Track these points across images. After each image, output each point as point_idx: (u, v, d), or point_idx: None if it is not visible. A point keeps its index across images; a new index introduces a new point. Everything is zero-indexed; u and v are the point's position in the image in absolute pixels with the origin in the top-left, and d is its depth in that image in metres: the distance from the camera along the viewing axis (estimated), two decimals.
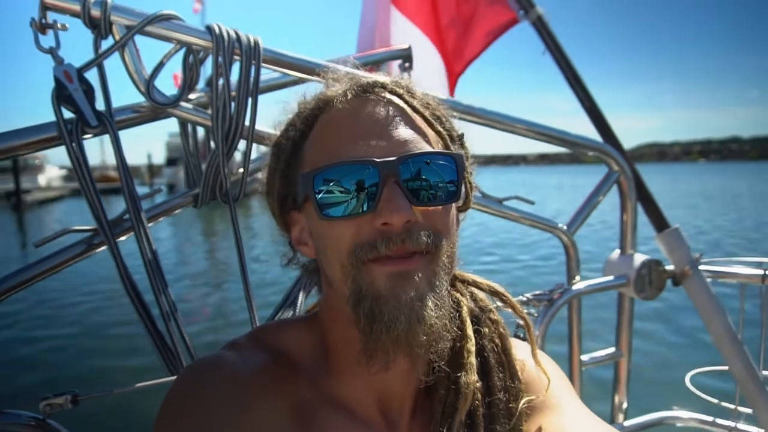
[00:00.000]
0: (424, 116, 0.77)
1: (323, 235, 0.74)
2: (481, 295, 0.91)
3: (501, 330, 0.88)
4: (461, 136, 0.85)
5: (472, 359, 0.79)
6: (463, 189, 0.77)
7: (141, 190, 1.18)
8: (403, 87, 0.79)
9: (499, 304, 0.92)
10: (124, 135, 1.17)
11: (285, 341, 0.83)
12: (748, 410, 1.88)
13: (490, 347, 0.85)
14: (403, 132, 0.73)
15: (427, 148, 0.73)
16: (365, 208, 0.69)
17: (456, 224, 0.82)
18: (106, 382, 5.82)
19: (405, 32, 2.43)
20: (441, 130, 0.79)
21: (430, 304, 0.69)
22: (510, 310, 0.92)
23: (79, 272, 11.29)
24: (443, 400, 0.79)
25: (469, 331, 0.82)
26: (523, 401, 0.82)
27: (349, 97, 0.76)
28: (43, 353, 7.57)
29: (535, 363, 0.87)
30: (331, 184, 0.70)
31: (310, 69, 1.27)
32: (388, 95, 0.77)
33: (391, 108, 0.75)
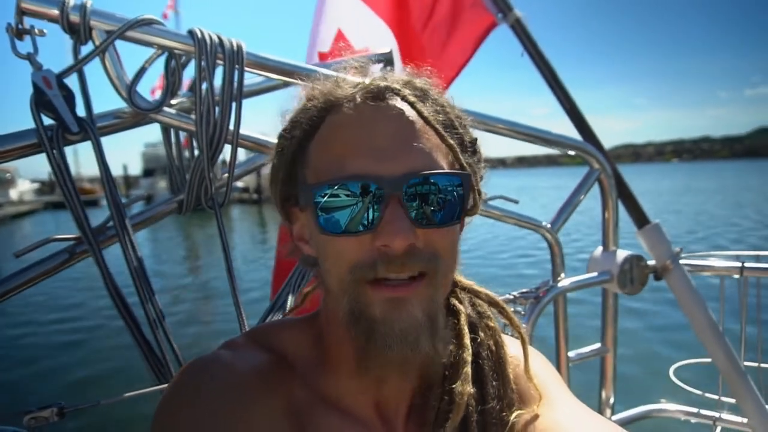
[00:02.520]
0: (435, 128, 0.73)
1: (323, 246, 0.73)
2: (477, 300, 0.91)
3: (497, 338, 0.87)
4: (474, 142, 0.81)
5: (468, 369, 0.79)
6: (470, 202, 0.76)
7: None
8: (418, 90, 0.76)
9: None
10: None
11: (282, 341, 0.82)
12: (732, 400, 1.92)
13: (486, 354, 0.85)
14: (412, 147, 0.70)
15: (435, 165, 0.71)
16: (366, 227, 0.68)
17: (459, 232, 0.81)
18: (92, 393, 5.71)
19: (378, 32, 2.44)
20: (452, 143, 0.74)
21: (424, 332, 0.69)
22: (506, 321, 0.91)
23: (62, 281, 11.08)
24: (437, 407, 0.79)
25: (466, 340, 0.81)
26: (514, 415, 0.81)
27: (358, 101, 0.72)
28: (26, 365, 7.38)
29: (526, 375, 0.85)
30: (333, 198, 0.68)
31: (294, 72, 1.27)
32: (399, 103, 0.73)
33: (401, 119, 0.71)
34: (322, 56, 2.45)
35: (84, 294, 10.76)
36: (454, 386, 0.77)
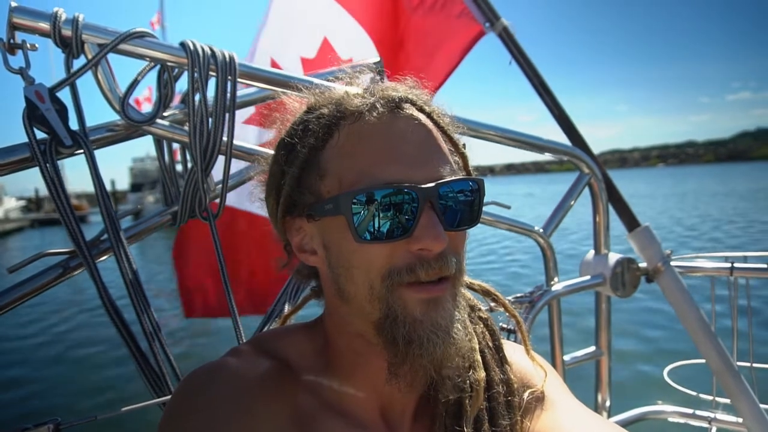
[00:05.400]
0: (451, 137, 0.77)
1: (352, 254, 0.72)
2: (468, 293, 0.93)
3: (491, 326, 0.91)
4: (463, 147, 0.84)
5: (478, 357, 0.82)
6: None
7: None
8: (424, 100, 0.78)
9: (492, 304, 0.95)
10: (83, 162, 1.13)
11: (286, 348, 0.82)
12: (726, 401, 1.94)
13: (484, 344, 0.87)
14: (435, 154, 0.73)
15: (455, 171, 0.74)
16: (401, 233, 0.69)
17: None
18: (89, 408, 5.62)
19: (362, 42, 2.46)
20: (464, 151, 0.79)
21: (458, 325, 0.72)
22: (501, 308, 0.94)
23: (56, 295, 10.94)
24: (447, 399, 0.80)
25: (469, 328, 0.83)
26: (526, 393, 0.84)
27: (380, 111, 0.73)
28: (21, 381, 7.28)
29: (529, 358, 0.89)
30: (369, 205, 0.68)
31: (287, 83, 1.27)
32: (416, 112, 0.75)
33: (423, 127, 0.74)
34: (306, 62, 2.48)
35: (78, 308, 10.63)
36: (469, 375, 0.79)
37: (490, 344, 0.88)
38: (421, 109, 0.76)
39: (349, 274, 0.73)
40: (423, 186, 0.69)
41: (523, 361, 0.91)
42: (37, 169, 1.06)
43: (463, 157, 0.79)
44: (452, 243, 0.72)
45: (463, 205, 0.73)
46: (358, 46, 2.49)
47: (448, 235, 0.71)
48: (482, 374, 0.81)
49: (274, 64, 2.52)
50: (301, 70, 2.47)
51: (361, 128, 0.73)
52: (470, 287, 0.93)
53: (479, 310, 0.92)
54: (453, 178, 0.72)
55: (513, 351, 0.92)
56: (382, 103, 0.74)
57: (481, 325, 0.90)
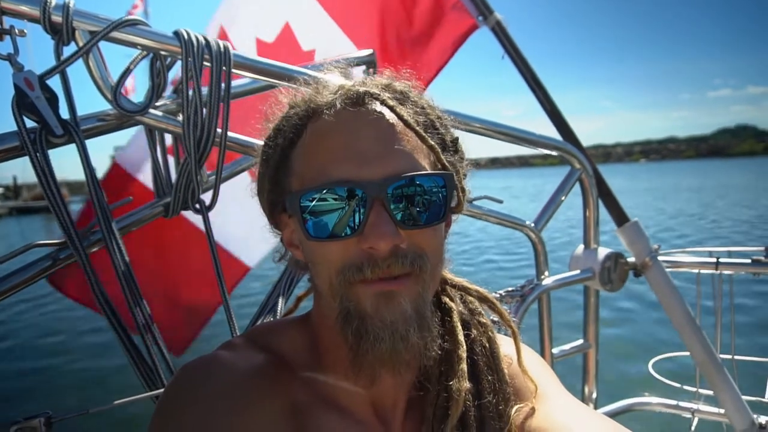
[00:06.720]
0: (416, 130, 0.73)
1: (312, 251, 0.74)
2: (470, 297, 0.92)
3: (489, 333, 0.89)
4: (455, 141, 0.83)
5: (464, 366, 0.81)
6: (454, 200, 0.77)
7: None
8: (397, 93, 0.77)
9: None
10: (63, 151, 1.11)
11: (279, 342, 0.82)
12: (709, 392, 1.98)
13: (480, 350, 0.86)
14: (393, 149, 0.71)
15: (417, 167, 0.71)
16: (352, 231, 0.69)
17: (445, 230, 0.82)
18: (81, 402, 5.56)
19: (329, 34, 2.41)
20: (433, 144, 0.75)
21: (413, 324, 0.70)
22: (497, 316, 0.92)
23: (46, 287, 10.74)
24: (434, 403, 0.80)
25: (460, 337, 0.83)
26: (514, 409, 0.82)
27: (338, 108, 0.73)
28: (11, 373, 7.17)
29: (522, 370, 0.86)
30: (318, 204, 0.69)
31: (281, 74, 1.27)
32: (378, 107, 0.73)
33: (381, 122, 0.72)
34: (262, 45, 2.43)
35: (70, 301, 10.50)
36: (450, 383, 0.78)
37: (488, 352, 0.86)
38: (383, 103, 0.74)
39: (315, 269, 0.75)
40: (369, 182, 0.68)
41: (516, 365, 0.88)
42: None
43: (434, 151, 0.75)
44: (414, 240, 0.71)
45: (425, 202, 0.71)
46: (324, 38, 2.42)
47: (410, 233, 0.70)
48: (464, 385, 0.79)
49: (223, 35, 2.39)
50: (256, 52, 2.40)
51: (320, 126, 0.74)
52: (467, 291, 0.92)
53: (479, 314, 0.90)
54: (407, 174, 0.70)
55: (511, 351, 0.90)
56: (343, 99, 0.73)
57: (480, 331, 0.88)
